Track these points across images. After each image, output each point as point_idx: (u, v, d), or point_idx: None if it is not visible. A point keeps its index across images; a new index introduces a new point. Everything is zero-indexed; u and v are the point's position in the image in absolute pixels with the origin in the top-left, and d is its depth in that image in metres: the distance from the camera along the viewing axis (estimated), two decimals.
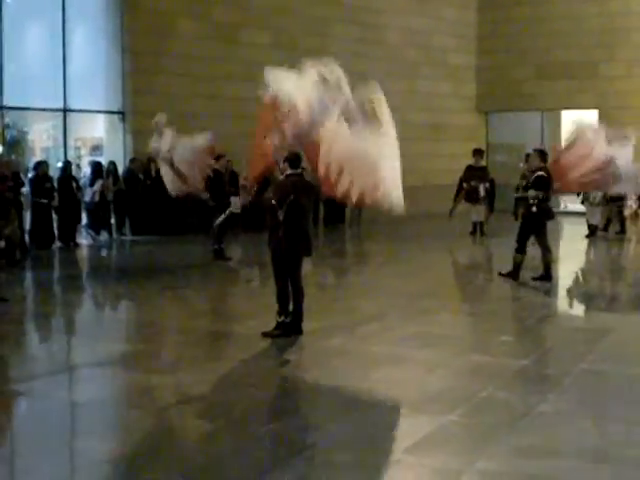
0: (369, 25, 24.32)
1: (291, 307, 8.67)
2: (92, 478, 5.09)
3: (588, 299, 11.94)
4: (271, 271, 8.83)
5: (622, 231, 18.94)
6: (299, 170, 8.77)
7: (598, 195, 18.65)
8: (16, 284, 12.29)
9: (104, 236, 18.27)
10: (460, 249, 17.61)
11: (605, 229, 19.18)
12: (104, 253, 17.49)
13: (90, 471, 5.19)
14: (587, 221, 19.13)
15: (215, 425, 6.06)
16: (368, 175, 8.74)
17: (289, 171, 8.67)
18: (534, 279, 12.31)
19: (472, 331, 9.54)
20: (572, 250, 17.98)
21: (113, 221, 18.77)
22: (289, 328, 8.62)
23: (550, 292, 12.56)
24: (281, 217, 8.45)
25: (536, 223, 12.26)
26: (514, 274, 12.27)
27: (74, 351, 8.85)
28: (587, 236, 18.83)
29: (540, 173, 12.19)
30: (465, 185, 18.28)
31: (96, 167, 18.41)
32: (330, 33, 23.52)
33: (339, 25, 23.72)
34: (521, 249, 12.31)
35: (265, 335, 8.58)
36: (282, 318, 8.65)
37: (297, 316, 8.67)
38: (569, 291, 12.82)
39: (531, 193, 12.12)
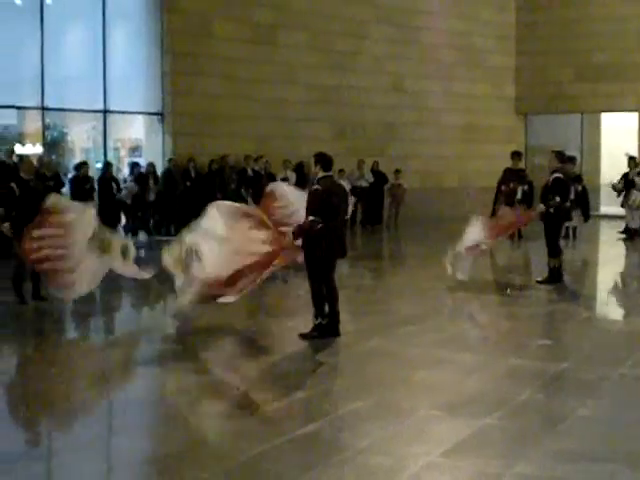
0: (405, 26, 24.28)
1: (327, 309, 8.68)
2: (131, 476, 5.13)
3: (627, 303, 11.85)
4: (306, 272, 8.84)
5: None
6: (330, 172, 8.77)
7: (638, 198, 18.49)
8: None
9: (143, 236, 18.40)
10: (497, 252, 17.51)
11: None
12: (142, 254, 17.60)
13: (129, 469, 5.24)
14: (626, 224, 18.95)
15: (251, 425, 6.08)
16: None
17: (321, 174, 8.67)
18: (538, 282, 12.26)
19: (510, 334, 9.48)
20: (611, 254, 17.84)
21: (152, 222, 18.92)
22: (326, 330, 8.63)
23: (590, 296, 12.49)
24: (314, 219, 8.44)
25: (552, 223, 12.21)
26: (552, 278, 12.19)
27: (110, 351, 8.92)
28: (625, 240, 18.66)
29: (557, 175, 12.10)
30: (504, 187, 18.15)
31: (131, 168, 18.58)
32: (367, 34, 23.52)
33: (376, 26, 23.71)
34: (553, 252, 12.23)
35: (302, 337, 8.59)
36: (318, 320, 8.67)
37: (333, 318, 8.67)
38: (608, 295, 12.73)
39: (552, 202, 12.04)
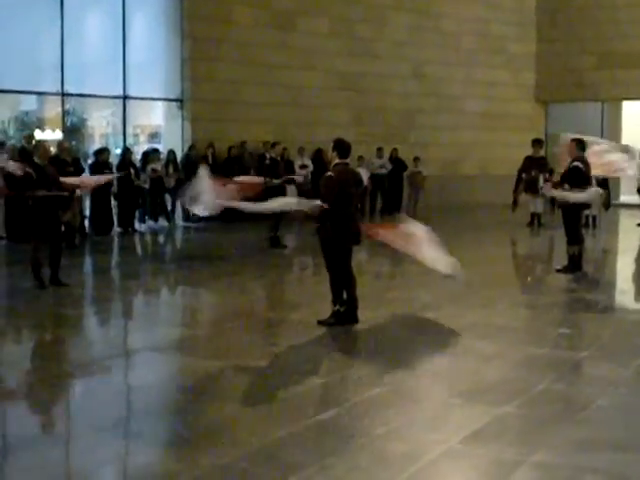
0: (426, 13, 24.21)
1: (345, 296, 8.67)
2: (148, 461, 5.14)
3: None
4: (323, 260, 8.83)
5: None
6: (347, 159, 8.74)
7: None
8: (76, 269, 12.46)
9: (162, 222, 18.45)
10: (518, 240, 17.47)
11: None
12: (161, 239, 17.66)
13: (144, 454, 5.25)
14: None
15: (269, 411, 6.09)
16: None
17: (337, 160, 8.63)
18: (558, 271, 12.18)
19: (530, 323, 9.45)
20: (631, 242, 17.74)
21: (170, 208, 18.96)
22: (344, 317, 8.63)
23: (610, 285, 12.43)
24: (329, 206, 8.42)
25: (571, 211, 12.12)
26: (572, 267, 12.12)
27: (131, 335, 8.96)
28: None
29: (576, 164, 11.94)
30: (525, 175, 18.08)
31: (143, 155, 18.59)
32: (387, 21, 23.44)
33: (396, 13, 23.62)
34: (573, 240, 12.15)
35: (320, 323, 8.59)
36: (337, 307, 8.66)
37: (351, 304, 8.66)
38: (627, 284, 12.67)
39: (569, 194, 11.94)
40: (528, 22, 26.80)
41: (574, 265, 12.14)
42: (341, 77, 22.22)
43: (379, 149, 21.96)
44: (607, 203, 18.06)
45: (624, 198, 24.17)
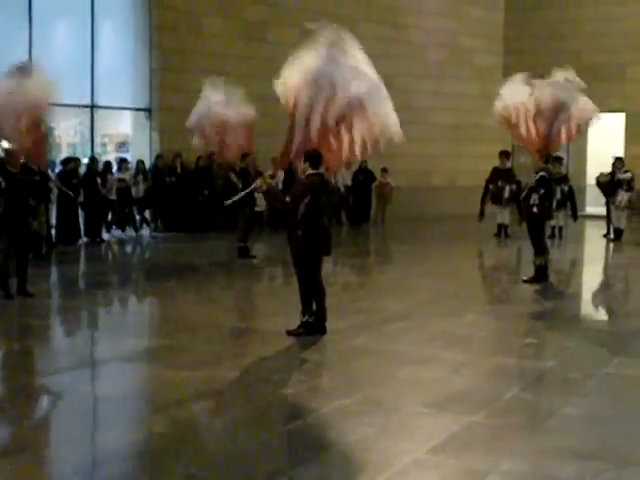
0: (395, 25, 24.32)
1: (314, 306, 8.68)
2: (115, 471, 5.12)
3: (612, 303, 11.90)
4: (294, 270, 8.85)
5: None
6: (320, 170, 8.74)
7: (624, 198, 18.57)
8: (42, 279, 12.37)
9: (130, 232, 18.38)
10: (485, 251, 17.59)
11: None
12: (129, 249, 17.58)
13: (113, 464, 5.22)
14: (612, 224, 19.03)
15: (237, 421, 6.07)
16: (362, 118, 8.85)
17: (310, 171, 8.65)
18: (524, 281, 12.32)
19: (497, 333, 9.51)
20: (596, 253, 17.92)
21: (139, 217, 18.90)
22: (313, 327, 8.64)
23: (576, 295, 12.55)
24: (299, 217, 8.45)
25: (536, 222, 12.29)
26: (539, 277, 12.24)
27: (98, 346, 8.90)
28: (613, 240, 18.75)
29: (542, 174, 12.22)
30: (491, 186, 18.23)
31: (104, 164, 18.47)
32: (356, 33, 23.31)
33: (365, 25, 23.69)
34: (539, 251, 12.30)
35: (289, 333, 8.60)
36: (306, 317, 8.67)
37: (320, 315, 8.68)
38: (595, 294, 12.79)
39: (535, 197, 12.14)
40: (496, 35, 27.02)
41: (540, 275, 12.26)
42: None
43: (363, 161, 22.03)
44: (575, 214, 18.26)
45: (590, 209, 24.39)
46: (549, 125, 12.39)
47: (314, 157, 8.67)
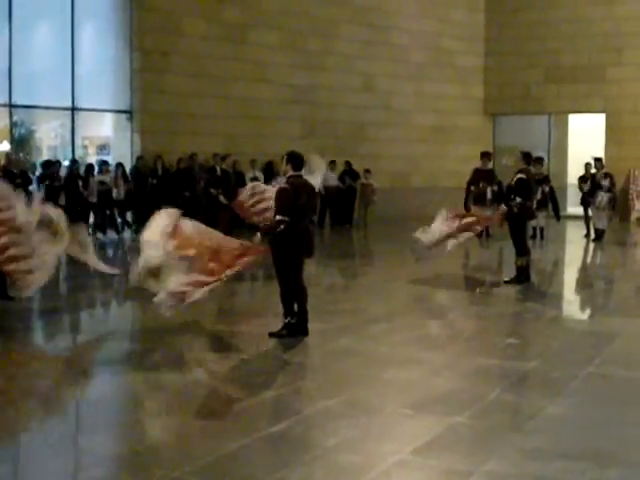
0: (376, 26, 24.35)
1: (296, 308, 8.67)
2: (100, 474, 5.09)
3: (594, 303, 11.95)
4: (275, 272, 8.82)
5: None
6: (301, 172, 8.75)
7: (604, 199, 18.66)
8: None
9: (111, 235, 18.31)
10: (467, 251, 17.60)
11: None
12: (110, 252, 17.50)
13: (96, 468, 5.20)
14: (593, 225, 19.12)
15: (221, 424, 6.06)
16: None
17: (291, 172, 8.64)
18: (506, 282, 12.36)
19: (479, 333, 9.52)
20: (577, 253, 17.99)
21: (120, 220, 18.84)
22: (295, 329, 8.63)
23: (557, 296, 12.60)
24: (281, 219, 8.42)
25: (517, 223, 12.32)
26: (520, 278, 12.28)
27: (79, 349, 8.86)
28: (594, 240, 18.84)
29: (521, 175, 12.22)
30: (473, 188, 18.24)
31: (86, 167, 18.39)
32: (338, 34, 23.55)
33: (347, 26, 23.75)
34: (521, 251, 12.34)
35: (272, 335, 8.58)
36: (288, 319, 8.66)
37: (302, 317, 8.66)
38: (575, 294, 12.84)
39: (514, 203, 12.16)
40: (477, 36, 27.10)
41: (522, 276, 12.30)
42: (292, 90, 22.27)
43: (332, 162, 22.03)
44: (557, 214, 18.33)
45: (571, 209, 24.50)
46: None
47: (296, 159, 8.65)
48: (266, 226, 8.85)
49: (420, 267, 12.90)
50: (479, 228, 13.66)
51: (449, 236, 12.47)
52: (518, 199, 12.08)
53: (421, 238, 12.40)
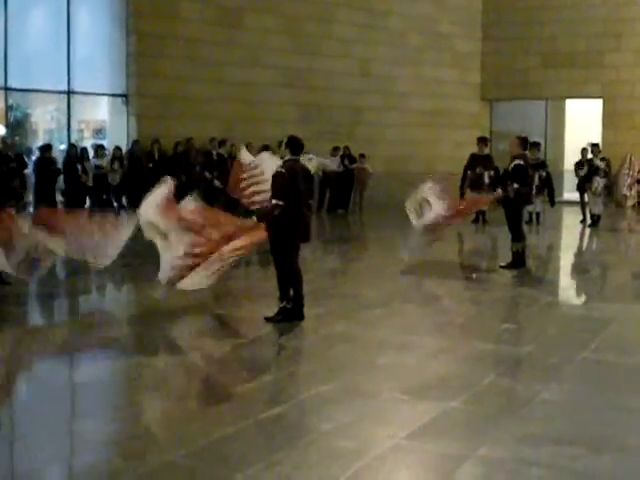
0: (373, 10, 24.27)
1: (292, 292, 8.67)
2: (95, 458, 5.10)
3: (589, 288, 11.96)
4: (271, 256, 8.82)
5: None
6: (298, 157, 8.74)
7: (600, 185, 18.67)
8: None
9: None
10: (463, 237, 17.60)
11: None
12: None
13: (91, 452, 5.20)
14: (590, 210, 19.13)
15: (216, 408, 6.07)
16: None
17: (288, 156, 8.63)
18: (502, 267, 12.37)
19: (475, 318, 9.53)
20: (573, 239, 18.00)
21: (116, 204, 18.81)
22: (291, 313, 8.63)
23: (553, 281, 12.61)
24: (277, 203, 8.41)
25: (513, 208, 12.31)
26: (516, 263, 12.28)
27: (75, 333, 8.85)
28: (590, 226, 18.86)
29: (518, 162, 12.18)
30: (470, 173, 18.23)
31: (81, 150, 18.35)
32: (334, 18, 23.46)
33: (343, 10, 23.66)
34: (516, 237, 12.33)
35: (268, 320, 8.58)
36: (284, 303, 8.66)
37: (298, 302, 8.66)
38: (572, 280, 12.86)
39: (510, 188, 12.15)
40: (474, 21, 27.03)
41: (518, 261, 12.30)
42: (288, 74, 22.20)
43: (335, 148, 22.06)
44: (552, 200, 18.33)
45: (567, 195, 24.50)
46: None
47: (294, 143, 8.64)
48: (262, 211, 8.83)
49: (415, 253, 12.91)
50: (470, 212, 13.60)
51: (441, 221, 12.46)
52: (515, 185, 12.05)
53: (414, 217, 12.48)
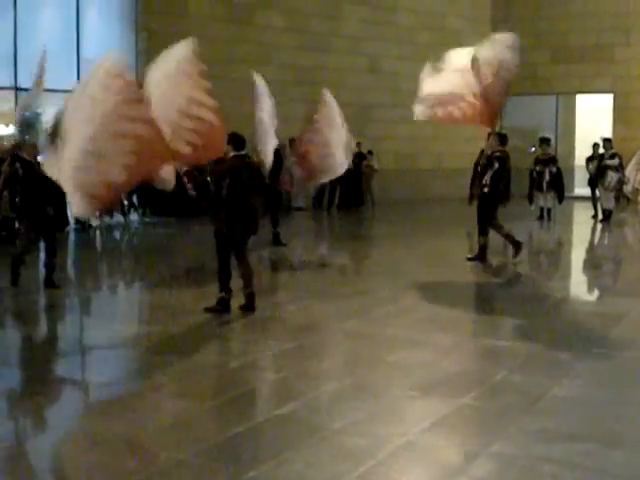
0: (381, 7, 24.23)
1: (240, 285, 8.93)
2: (106, 456, 5.09)
3: (600, 284, 11.92)
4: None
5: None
6: (243, 152, 8.93)
7: (613, 180, 18.59)
8: (30, 266, 12.28)
9: (117, 218, 18.31)
10: (472, 233, 17.56)
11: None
12: (117, 235, 17.52)
13: (103, 449, 5.20)
14: (601, 205, 19.06)
15: (225, 406, 6.06)
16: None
17: (232, 153, 8.83)
18: (469, 259, 12.56)
19: (486, 314, 9.51)
20: (585, 235, 17.94)
21: (126, 203, 18.81)
22: (245, 306, 8.92)
23: (565, 277, 12.57)
24: (223, 197, 8.61)
25: (487, 204, 12.30)
26: (483, 256, 12.45)
27: (87, 332, 8.87)
28: (602, 221, 18.80)
29: (497, 155, 12.22)
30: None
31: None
32: (343, 15, 23.43)
33: (352, 7, 23.62)
34: (483, 231, 12.38)
35: (207, 310, 8.87)
36: (222, 294, 8.92)
37: (249, 296, 8.93)
38: (583, 275, 12.81)
39: (485, 180, 12.19)
40: (483, 17, 26.93)
41: (483, 255, 12.40)
42: (297, 71, 22.18)
43: (357, 144, 22.06)
44: (561, 197, 18.28)
45: (578, 191, 24.43)
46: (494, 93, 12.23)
47: (236, 140, 8.88)
48: (197, 178, 9.05)
49: (425, 248, 12.87)
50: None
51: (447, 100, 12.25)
52: (487, 174, 12.11)
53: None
